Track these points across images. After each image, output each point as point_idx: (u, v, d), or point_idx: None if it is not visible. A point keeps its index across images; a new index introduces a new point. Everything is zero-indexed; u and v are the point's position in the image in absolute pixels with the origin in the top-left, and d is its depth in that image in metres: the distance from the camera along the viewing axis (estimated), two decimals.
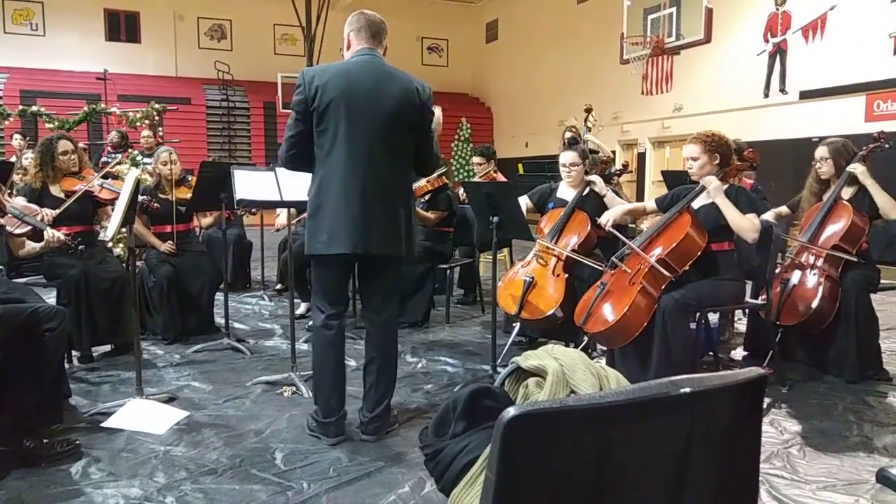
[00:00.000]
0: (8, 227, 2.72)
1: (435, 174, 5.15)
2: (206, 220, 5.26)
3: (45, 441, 2.64)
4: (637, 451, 0.93)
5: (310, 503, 2.34)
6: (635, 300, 3.20)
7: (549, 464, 0.87)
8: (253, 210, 5.93)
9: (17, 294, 2.89)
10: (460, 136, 17.87)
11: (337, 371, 2.87)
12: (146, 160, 6.58)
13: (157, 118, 8.15)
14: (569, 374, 1.42)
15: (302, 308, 5.15)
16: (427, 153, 2.93)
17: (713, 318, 3.80)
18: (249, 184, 3.90)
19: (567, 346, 3.78)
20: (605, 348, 3.67)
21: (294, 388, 3.48)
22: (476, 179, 5.90)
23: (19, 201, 2.99)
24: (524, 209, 4.09)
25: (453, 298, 5.67)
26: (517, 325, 4.08)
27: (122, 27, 17.13)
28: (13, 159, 6.47)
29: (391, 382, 2.95)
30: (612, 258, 3.48)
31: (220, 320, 4.66)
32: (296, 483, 2.48)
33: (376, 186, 2.72)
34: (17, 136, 8.46)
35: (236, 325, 4.90)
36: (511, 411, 0.82)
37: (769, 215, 4.06)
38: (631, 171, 12.02)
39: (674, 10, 10.26)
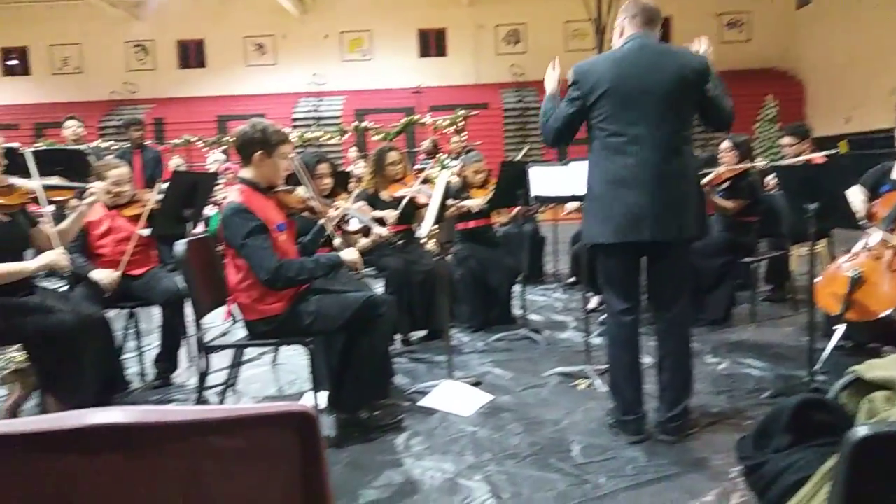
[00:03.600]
0: (346, 227, 3.20)
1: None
2: (501, 217, 5.57)
3: (375, 413, 3.06)
4: None
5: (607, 500, 2.35)
6: None
7: None
8: (541, 210, 6.17)
9: (354, 285, 3.39)
10: (765, 115, 16.16)
11: (633, 369, 2.84)
12: (453, 163, 7.21)
13: (461, 124, 8.90)
14: None
15: (594, 302, 5.16)
16: (717, 110, 2.77)
17: None
18: (544, 180, 4.03)
19: None
20: None
21: (589, 382, 3.52)
22: (786, 162, 5.29)
23: (358, 205, 3.51)
24: (861, 201, 3.56)
25: (759, 295, 5.19)
26: (840, 328, 3.58)
27: (432, 43, 18.97)
28: (349, 168, 7.59)
29: (687, 382, 2.83)
30: None
31: (517, 311, 4.91)
32: (593, 478, 2.50)
33: (661, 169, 2.66)
34: (353, 149, 9.94)
35: (532, 316, 5.10)
36: (862, 431, 0.72)
37: None
38: None
39: None
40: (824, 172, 3.28)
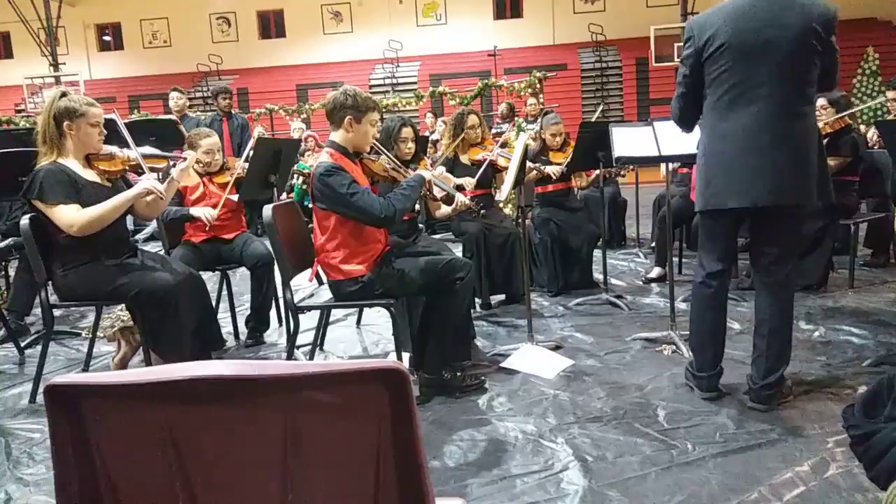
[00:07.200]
0: (430, 192, 3.22)
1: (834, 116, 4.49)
2: (581, 181, 5.44)
3: (458, 374, 3.09)
4: None
5: (696, 465, 2.30)
6: None
7: None
8: (622, 173, 6.04)
9: (435, 248, 3.41)
10: (865, 69, 15.07)
11: (715, 328, 2.77)
12: (530, 126, 7.10)
13: (538, 86, 8.73)
14: None
15: (655, 272, 5.01)
16: (832, 70, 2.59)
17: None
18: (628, 140, 3.90)
19: None
20: None
21: (674, 347, 3.44)
22: (891, 117, 4.94)
23: (439, 171, 3.51)
24: None
25: (858, 259, 4.91)
26: None
27: (507, 5, 18.60)
28: (427, 133, 7.61)
29: (785, 350, 2.70)
30: None
31: (598, 276, 4.82)
32: (680, 443, 2.46)
33: (779, 130, 2.50)
34: (429, 114, 9.94)
35: (613, 281, 5.01)
36: None
37: None
38: None
39: None
40: None
